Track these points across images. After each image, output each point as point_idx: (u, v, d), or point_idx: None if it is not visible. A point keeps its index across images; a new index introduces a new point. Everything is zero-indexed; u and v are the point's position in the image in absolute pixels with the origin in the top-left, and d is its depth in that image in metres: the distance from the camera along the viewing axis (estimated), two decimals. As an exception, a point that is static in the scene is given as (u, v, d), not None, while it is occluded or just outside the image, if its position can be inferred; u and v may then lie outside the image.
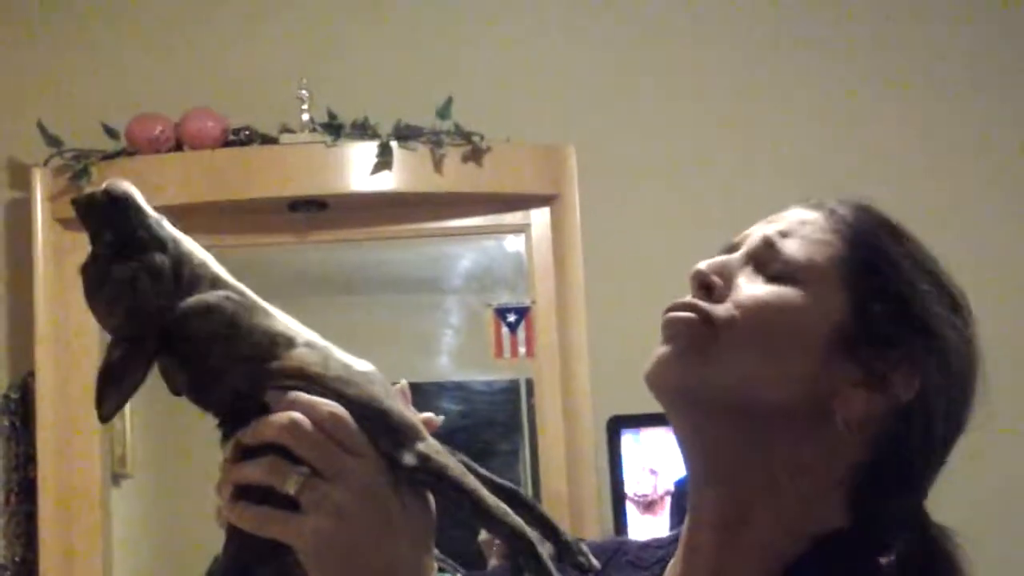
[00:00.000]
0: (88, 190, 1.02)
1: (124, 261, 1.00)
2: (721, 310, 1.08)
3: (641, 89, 3.55)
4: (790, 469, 1.07)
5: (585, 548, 1.03)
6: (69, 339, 3.27)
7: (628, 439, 3.07)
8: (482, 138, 3.31)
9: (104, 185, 1.02)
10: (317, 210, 3.31)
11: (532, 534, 0.97)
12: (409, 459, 0.97)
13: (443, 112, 3.31)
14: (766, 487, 1.08)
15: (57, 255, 3.27)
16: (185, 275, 1.01)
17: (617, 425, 3.08)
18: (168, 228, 1.02)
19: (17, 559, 3.22)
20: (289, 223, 3.29)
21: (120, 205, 1.01)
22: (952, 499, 1.13)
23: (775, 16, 3.62)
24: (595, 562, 1.02)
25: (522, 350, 3.38)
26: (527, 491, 3.35)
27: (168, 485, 3.67)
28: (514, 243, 3.51)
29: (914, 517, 1.09)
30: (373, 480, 0.97)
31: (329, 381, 0.99)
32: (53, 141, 3.28)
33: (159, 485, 3.66)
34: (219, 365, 0.99)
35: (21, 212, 3.32)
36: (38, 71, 3.48)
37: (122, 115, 3.30)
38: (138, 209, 1.01)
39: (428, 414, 1.03)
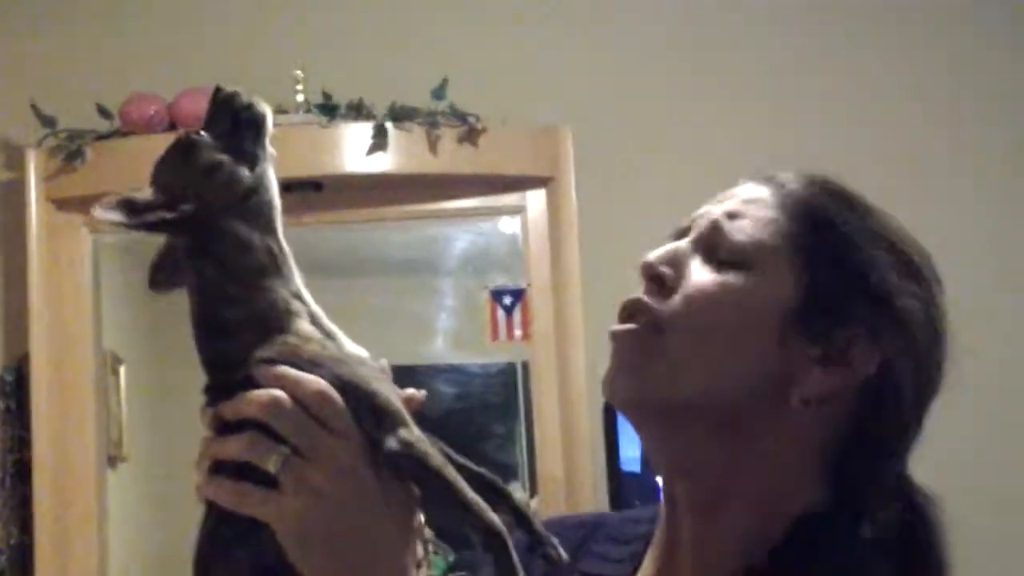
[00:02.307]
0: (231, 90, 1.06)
1: (221, 151, 1.02)
2: (667, 310, 1.06)
3: (638, 71, 3.54)
4: (758, 455, 1.06)
5: (555, 541, 1.01)
6: (64, 321, 3.26)
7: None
8: (478, 119, 3.29)
9: (252, 96, 1.06)
10: (312, 191, 3.29)
11: (505, 530, 0.96)
12: (392, 444, 0.97)
13: (438, 93, 3.29)
14: (737, 476, 1.07)
15: (51, 236, 3.26)
16: (252, 203, 1.03)
17: (613, 409, 3.07)
18: (269, 165, 1.05)
19: (12, 542, 3.22)
20: (284, 204, 3.26)
21: (253, 118, 1.05)
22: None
23: (773, -3, 3.61)
24: (564, 554, 1.01)
25: (518, 333, 3.38)
26: (523, 474, 3.38)
27: (164, 468, 3.66)
28: (510, 225, 3.50)
29: (897, 487, 1.08)
30: (354, 462, 0.96)
31: (323, 359, 0.99)
32: (47, 121, 3.27)
33: (155, 468, 3.66)
34: (231, 316, 1.00)
35: (15, 193, 3.30)
36: (31, 51, 3.46)
37: (116, 95, 3.28)
38: (261, 133, 1.05)
39: (411, 390, 1.03)
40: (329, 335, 1.02)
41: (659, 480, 1.13)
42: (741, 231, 1.08)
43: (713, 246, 1.09)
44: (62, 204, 3.27)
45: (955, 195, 3.47)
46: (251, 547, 0.98)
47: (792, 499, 1.06)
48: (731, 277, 1.06)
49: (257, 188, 1.03)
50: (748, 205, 1.10)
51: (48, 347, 3.23)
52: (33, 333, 3.22)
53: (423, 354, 3.67)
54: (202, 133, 1.03)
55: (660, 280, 1.08)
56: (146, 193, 1.02)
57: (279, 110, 3.25)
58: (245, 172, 1.03)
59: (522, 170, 3.37)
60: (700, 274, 1.07)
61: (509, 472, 3.44)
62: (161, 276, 1.05)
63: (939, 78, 3.58)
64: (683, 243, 1.11)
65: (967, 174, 3.53)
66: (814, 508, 1.06)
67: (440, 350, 3.76)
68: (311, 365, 0.98)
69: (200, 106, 3.30)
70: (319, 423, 0.96)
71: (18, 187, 3.28)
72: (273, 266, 1.02)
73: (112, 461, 3.43)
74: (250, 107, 1.05)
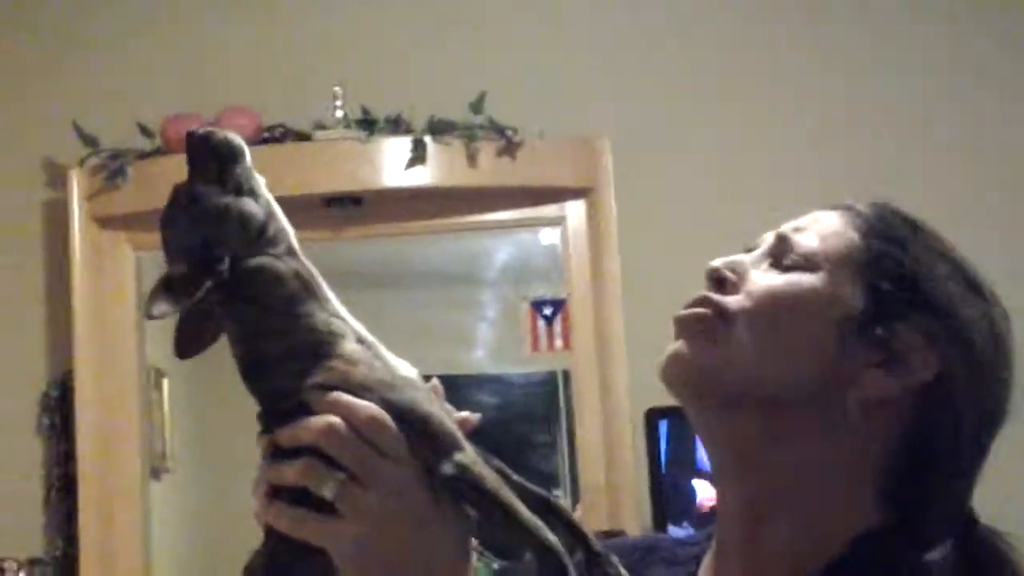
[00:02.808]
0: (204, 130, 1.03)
1: (222, 193, 1.01)
2: (732, 301, 1.08)
3: (676, 80, 3.54)
4: (812, 459, 1.06)
5: (615, 559, 1.01)
6: (107, 338, 3.29)
7: (678, 425, 3.05)
8: (516, 132, 3.30)
9: (224, 131, 1.03)
10: (352, 206, 3.31)
11: (563, 550, 0.96)
12: (447, 468, 0.96)
13: (476, 107, 3.31)
14: (789, 479, 1.07)
15: (95, 254, 3.30)
16: (268, 232, 1.02)
17: (655, 417, 3.07)
18: (265, 190, 1.03)
19: (58, 554, 3.25)
20: (324, 219, 3.29)
21: (234, 151, 1.02)
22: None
23: (811, 4, 3.60)
24: (624, 573, 1.01)
25: (559, 343, 3.38)
26: (565, 483, 3.39)
27: (208, 480, 3.69)
28: (549, 236, 3.51)
29: (957, 514, 1.08)
30: (409, 486, 0.96)
31: (373, 383, 0.99)
32: (89, 140, 3.30)
33: (199, 480, 3.68)
34: (271, 351, 0.99)
35: (58, 213, 3.34)
36: (73, 70, 3.50)
37: (157, 114, 3.31)
38: (247, 163, 1.03)
39: (465, 413, 1.03)
40: (375, 353, 1.01)
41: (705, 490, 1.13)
42: (808, 240, 1.10)
43: (779, 255, 1.10)
44: (105, 222, 3.31)
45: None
46: (309, 572, 0.98)
47: (844, 514, 1.06)
48: (798, 276, 1.08)
49: (269, 217, 1.02)
50: (815, 222, 1.12)
51: (92, 363, 3.27)
52: (78, 349, 3.25)
53: (463, 364, 3.68)
54: (192, 183, 1.02)
55: (723, 283, 1.10)
56: (174, 267, 1.01)
57: (318, 126, 3.28)
58: (252, 205, 1.01)
59: (561, 181, 3.38)
60: (765, 275, 1.09)
61: (551, 481, 3.44)
62: (187, 339, 1.03)
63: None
64: (748, 254, 1.13)
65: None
66: (868, 527, 1.06)
67: (480, 360, 3.77)
68: (362, 390, 0.98)
69: (240, 123, 3.32)
70: (374, 448, 0.96)
71: (62, 206, 3.32)
72: (306, 291, 1.01)
73: (156, 473, 3.45)
74: (227, 141, 1.02)
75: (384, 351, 1.02)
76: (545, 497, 1.03)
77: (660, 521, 3.06)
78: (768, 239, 1.13)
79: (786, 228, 1.12)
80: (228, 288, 1.00)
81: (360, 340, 1.01)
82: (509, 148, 3.30)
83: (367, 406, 0.97)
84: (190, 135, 1.03)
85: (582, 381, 3.35)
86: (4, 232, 3.43)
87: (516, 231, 3.57)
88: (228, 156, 1.02)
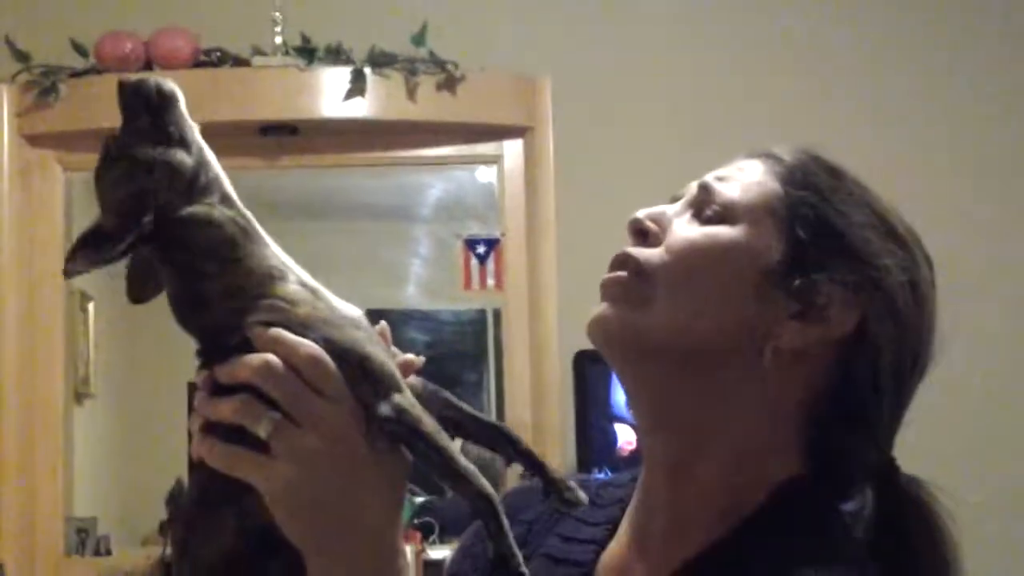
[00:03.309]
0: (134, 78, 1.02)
1: (151, 146, 1.00)
2: (654, 256, 1.08)
3: (619, 21, 3.52)
4: (733, 411, 1.07)
5: (573, 484, 1.02)
6: (34, 258, 3.25)
7: (604, 371, 3.07)
8: (457, 67, 3.27)
9: (155, 79, 1.02)
10: (288, 135, 3.28)
11: (495, 496, 0.96)
12: (385, 410, 0.96)
13: (418, 39, 3.27)
14: (711, 430, 1.08)
15: (23, 173, 3.25)
16: (200, 182, 1.01)
17: (584, 359, 3.08)
18: (198, 136, 1.02)
19: (-22, 475, 3.21)
20: (259, 147, 3.26)
21: (166, 99, 1.02)
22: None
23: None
24: (583, 496, 1.02)
25: (491, 282, 3.38)
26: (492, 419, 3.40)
27: (129, 406, 3.66)
28: (486, 174, 3.50)
29: (879, 465, 1.08)
30: (346, 429, 0.96)
31: (314, 322, 0.98)
32: (21, 56, 3.24)
33: (121, 405, 3.66)
34: (209, 290, 0.99)
35: (-13, 129, 3.28)
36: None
37: (92, 32, 3.25)
38: (180, 109, 1.02)
39: (409, 355, 1.02)
40: (316, 295, 1.00)
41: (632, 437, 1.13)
42: (730, 189, 1.10)
43: (701, 206, 1.10)
44: (35, 140, 3.25)
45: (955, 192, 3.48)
46: (239, 509, 0.97)
47: (767, 463, 1.07)
48: (716, 229, 1.08)
49: (200, 167, 1.01)
50: (738, 171, 1.12)
51: (17, 284, 3.22)
52: (3, 270, 3.21)
53: (394, 300, 3.67)
54: (120, 134, 1.01)
55: (645, 234, 1.10)
56: (102, 220, 1.00)
57: (257, 51, 3.23)
58: (183, 156, 1.00)
59: (500, 119, 3.36)
60: (685, 227, 1.09)
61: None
62: (137, 286, 1.03)
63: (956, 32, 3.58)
64: (671, 205, 1.13)
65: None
66: (792, 478, 1.06)
67: (412, 296, 3.76)
68: (303, 329, 0.97)
69: (177, 45, 3.27)
70: (312, 388, 0.95)
71: (-9, 122, 3.26)
72: (243, 234, 1.00)
73: (79, 398, 3.43)
74: (159, 89, 1.01)
75: (327, 293, 1.01)
76: (499, 427, 1.03)
77: (585, 463, 3.08)
78: (692, 188, 1.13)
79: (709, 177, 1.12)
80: (159, 240, 0.99)
81: (301, 283, 1.01)
82: (449, 83, 3.27)
83: (307, 345, 0.96)
84: (121, 84, 1.02)
85: (513, 321, 3.35)
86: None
87: (452, 168, 3.55)
88: (160, 104, 1.01)
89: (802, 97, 3.47)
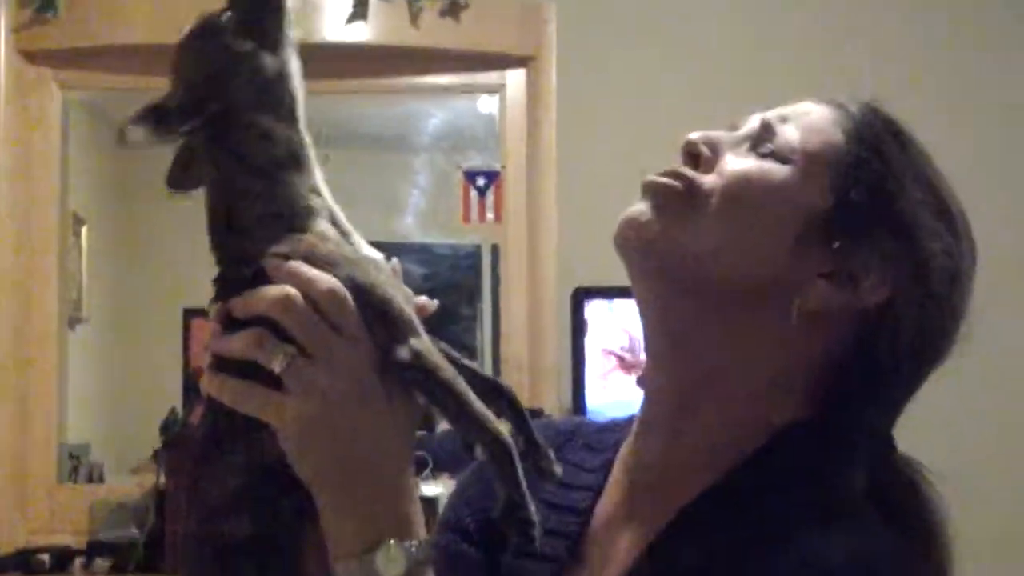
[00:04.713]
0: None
1: (247, 37, 0.99)
2: (707, 179, 1.06)
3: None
4: (747, 354, 1.05)
5: (551, 454, 1.01)
6: (31, 176, 3.21)
7: (601, 307, 3.05)
8: (461, -6, 3.22)
9: None
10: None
11: (511, 442, 0.95)
12: (402, 353, 0.95)
13: (422, -35, 3.22)
14: (721, 367, 1.06)
15: (20, 89, 3.20)
16: (275, 92, 1.00)
17: (581, 296, 3.06)
18: (290, 49, 1.02)
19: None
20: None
21: (276, 8, 1.01)
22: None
23: None
24: (559, 471, 1.01)
25: (490, 215, 3.35)
26: (486, 358, 3.39)
27: (122, 330, 3.65)
28: (487, 104, 3.46)
29: (877, 439, 1.07)
30: (362, 367, 0.94)
31: (338, 259, 0.96)
32: (18, -28, 3.19)
33: (113, 330, 3.64)
34: (245, 210, 0.97)
35: (-18, 44, 3.23)
36: None
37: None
38: (285, 16, 1.02)
39: (423, 298, 1.01)
40: (345, 235, 0.99)
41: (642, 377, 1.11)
42: (791, 132, 1.07)
43: (760, 141, 1.08)
44: (32, 57, 3.21)
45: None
46: (248, 445, 0.96)
47: (770, 413, 1.05)
48: (771, 166, 1.05)
49: (280, 76, 1.00)
50: (804, 115, 1.09)
51: (13, 203, 3.18)
52: (-1, 188, 3.17)
53: (391, 231, 3.65)
54: (223, 18, 0.99)
55: (697, 158, 1.08)
56: (170, 96, 0.98)
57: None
58: (269, 59, 1.00)
59: (503, 48, 3.32)
60: (740, 159, 1.07)
61: (472, 355, 3.43)
62: (178, 171, 1.01)
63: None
64: (729, 133, 1.10)
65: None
66: (786, 428, 1.05)
67: (409, 228, 3.74)
68: (326, 264, 0.95)
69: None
70: (329, 324, 0.93)
71: (-14, 37, 3.21)
72: (293, 160, 0.99)
73: (71, 323, 3.41)
74: None
75: (356, 236, 1.00)
76: (495, 382, 1.02)
77: (579, 401, 3.07)
78: (753, 123, 1.10)
79: (772, 115, 1.09)
80: (217, 136, 0.98)
81: (334, 222, 0.99)
82: (453, 9, 3.22)
83: (327, 279, 0.94)
84: None
85: (511, 256, 3.32)
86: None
87: (454, 97, 3.52)
88: (267, 5, 1.01)
89: (818, 42, 3.41)
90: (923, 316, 1.04)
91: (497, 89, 3.36)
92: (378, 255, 1.00)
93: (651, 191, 1.07)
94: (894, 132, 1.08)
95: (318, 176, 1.01)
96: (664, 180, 1.07)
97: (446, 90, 3.43)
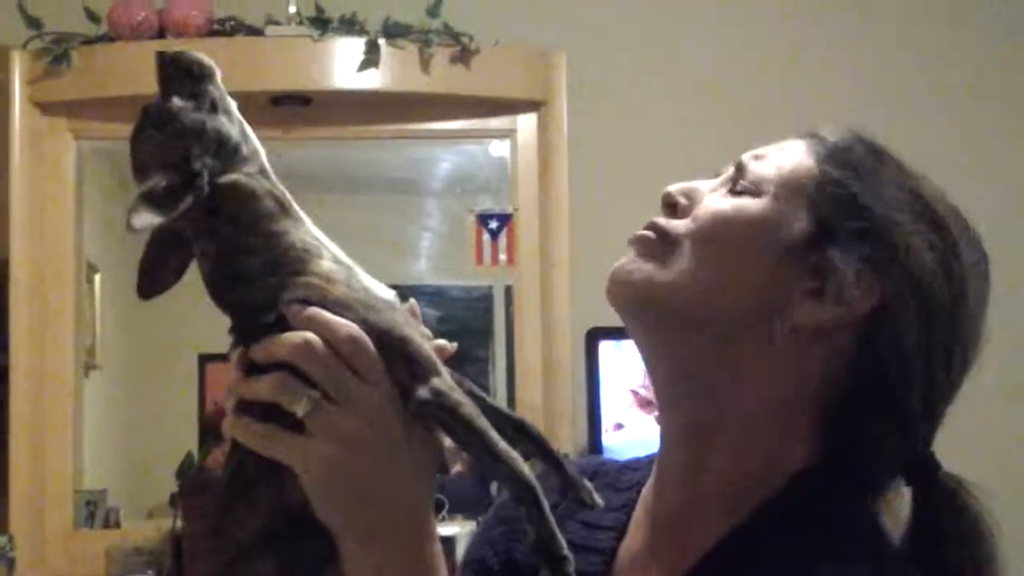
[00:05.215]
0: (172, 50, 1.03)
1: (199, 112, 1.00)
2: (679, 224, 1.08)
3: (639, -2, 3.50)
4: (749, 387, 1.05)
5: (590, 486, 1.02)
6: (45, 227, 3.23)
7: (616, 347, 3.05)
8: (472, 39, 3.24)
9: (193, 52, 1.03)
10: (300, 106, 3.25)
11: (536, 483, 0.95)
12: (423, 393, 0.95)
13: (433, 11, 3.24)
14: (728, 404, 1.06)
15: (34, 140, 3.22)
16: (242, 152, 1.01)
17: (596, 337, 3.06)
18: (236, 109, 1.03)
19: (-13, 448, 3.20)
20: (271, 118, 3.23)
21: (206, 72, 1.02)
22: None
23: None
24: (599, 500, 1.02)
25: (503, 257, 3.35)
26: (502, 400, 3.39)
27: (136, 377, 3.65)
28: (499, 148, 3.47)
29: (914, 460, 1.06)
30: (383, 410, 0.95)
31: (352, 302, 0.97)
32: (33, 23, 3.21)
33: (127, 377, 3.64)
34: (246, 264, 0.98)
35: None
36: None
37: (104, -1, 3.23)
38: (218, 83, 1.02)
39: (442, 341, 1.01)
40: (352, 274, 1.00)
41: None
42: (765, 167, 1.09)
43: (735, 181, 1.09)
44: (46, 108, 3.23)
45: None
46: (273, 489, 0.97)
47: (784, 448, 1.05)
48: (743, 200, 1.07)
49: (243, 137, 1.01)
50: (778, 151, 1.11)
51: (28, 253, 3.20)
52: (14, 237, 3.18)
53: (405, 275, 3.65)
54: (167, 99, 1.00)
55: (674, 207, 1.10)
56: (154, 179, 0.98)
57: (271, 21, 3.20)
58: (228, 124, 1.01)
59: (514, 93, 3.34)
60: (713, 201, 1.09)
61: (487, 398, 3.42)
62: (147, 281, 1.03)
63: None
64: (705, 181, 1.12)
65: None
66: (808, 463, 1.04)
67: (422, 271, 3.74)
68: (340, 308, 0.96)
69: (190, 13, 3.24)
70: (350, 369, 0.94)
71: (2, 89, 3.22)
72: (281, 209, 1.00)
73: (85, 369, 3.41)
74: (199, 61, 1.02)
75: (361, 272, 1.01)
76: (519, 420, 1.02)
77: (596, 443, 3.06)
78: (729, 167, 1.12)
79: (746, 156, 1.11)
80: (204, 204, 0.98)
81: (336, 261, 1.00)
82: (464, 55, 3.25)
83: (347, 324, 0.95)
84: (161, 56, 1.02)
85: (524, 298, 3.33)
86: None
87: (465, 142, 3.53)
88: (200, 76, 1.01)
89: (830, 80, 3.43)
90: (921, 315, 1.03)
91: (508, 134, 3.38)
92: (390, 293, 1.01)
93: (631, 243, 1.09)
94: (869, 148, 1.09)
95: (308, 221, 1.02)
96: (640, 232, 1.09)
97: (458, 135, 3.44)
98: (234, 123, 1.01)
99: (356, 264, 1.01)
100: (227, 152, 1.00)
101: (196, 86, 1.01)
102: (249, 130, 1.03)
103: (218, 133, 0.99)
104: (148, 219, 0.96)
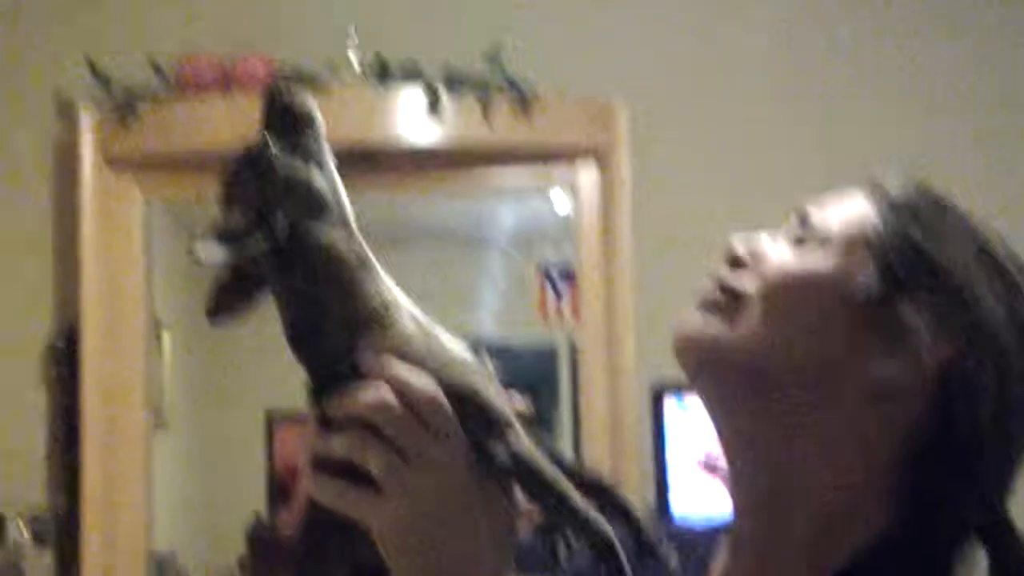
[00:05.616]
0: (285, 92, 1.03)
1: (293, 159, 0.99)
2: (747, 281, 1.06)
3: (697, 47, 3.50)
4: (822, 449, 1.03)
5: (667, 544, 1.00)
6: (115, 286, 3.25)
7: (675, 406, 3.02)
8: (533, 89, 3.24)
9: (301, 95, 1.02)
10: (362, 158, 3.26)
11: (616, 541, 0.94)
12: (501, 455, 0.94)
13: (493, 59, 3.25)
14: (799, 470, 1.04)
15: (104, 198, 3.24)
16: (330, 206, 1.00)
17: (662, 393, 3.04)
18: (331, 161, 1.02)
19: (60, 510, 3.22)
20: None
21: (308, 118, 1.02)
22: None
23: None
24: (676, 564, 1.00)
25: (567, 311, 3.34)
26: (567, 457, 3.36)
27: (204, 436, 3.66)
28: (561, 202, 3.46)
29: (988, 525, 1.03)
30: (459, 471, 0.94)
31: (429, 360, 0.96)
32: (102, 79, 3.25)
33: (195, 435, 3.66)
34: (323, 319, 0.97)
35: (68, 152, 3.28)
36: (87, 6, 3.44)
37: (171, 54, 3.27)
38: (319, 131, 1.02)
39: (518, 399, 1.01)
40: (430, 333, 0.99)
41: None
42: (828, 218, 1.07)
43: (798, 233, 1.08)
44: (115, 164, 3.25)
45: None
46: (347, 546, 0.97)
47: (859, 510, 1.03)
48: (808, 256, 1.05)
49: (332, 192, 1.01)
50: (840, 202, 1.09)
51: (99, 313, 3.21)
52: (85, 297, 3.20)
53: (467, 328, 3.65)
54: (268, 143, 1.00)
55: (739, 262, 1.08)
56: (231, 217, 0.98)
57: (330, 66, 3.21)
58: (319, 176, 1.00)
59: (576, 143, 3.33)
60: (779, 254, 1.07)
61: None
62: (219, 304, 1.01)
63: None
64: (768, 233, 1.11)
65: None
66: (884, 526, 1.02)
67: (484, 325, 3.74)
68: (416, 363, 0.96)
69: (255, 67, 3.28)
70: (426, 428, 0.94)
71: (72, 145, 3.27)
72: (361, 266, 0.99)
73: (153, 428, 3.43)
74: (304, 105, 1.02)
75: (440, 331, 1.00)
76: (596, 478, 1.01)
77: (663, 503, 3.03)
78: (792, 218, 1.10)
79: (808, 206, 1.10)
80: (284, 255, 0.98)
81: (414, 318, 0.99)
82: (524, 106, 3.24)
83: (424, 382, 0.94)
84: (270, 93, 1.02)
85: (589, 353, 3.31)
86: (12, 171, 3.38)
87: (527, 194, 3.52)
88: (302, 121, 1.01)
89: (886, 130, 3.41)
90: (994, 369, 1.01)
91: (570, 185, 3.37)
92: (467, 353, 1.00)
93: (698, 304, 1.08)
94: (932, 201, 1.07)
95: (389, 281, 1.01)
96: (707, 292, 1.08)
97: (520, 187, 3.44)
98: (326, 176, 1.01)
99: (435, 322, 1.01)
100: (314, 205, 0.99)
101: (297, 131, 1.01)
102: (339, 185, 1.02)
103: (308, 185, 0.99)
104: (215, 253, 0.96)
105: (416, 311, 1.00)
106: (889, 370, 1.01)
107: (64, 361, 3.25)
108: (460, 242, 3.80)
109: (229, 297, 1.01)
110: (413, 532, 0.94)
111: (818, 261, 1.04)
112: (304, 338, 0.99)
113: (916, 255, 1.03)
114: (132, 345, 3.26)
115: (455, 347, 0.99)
